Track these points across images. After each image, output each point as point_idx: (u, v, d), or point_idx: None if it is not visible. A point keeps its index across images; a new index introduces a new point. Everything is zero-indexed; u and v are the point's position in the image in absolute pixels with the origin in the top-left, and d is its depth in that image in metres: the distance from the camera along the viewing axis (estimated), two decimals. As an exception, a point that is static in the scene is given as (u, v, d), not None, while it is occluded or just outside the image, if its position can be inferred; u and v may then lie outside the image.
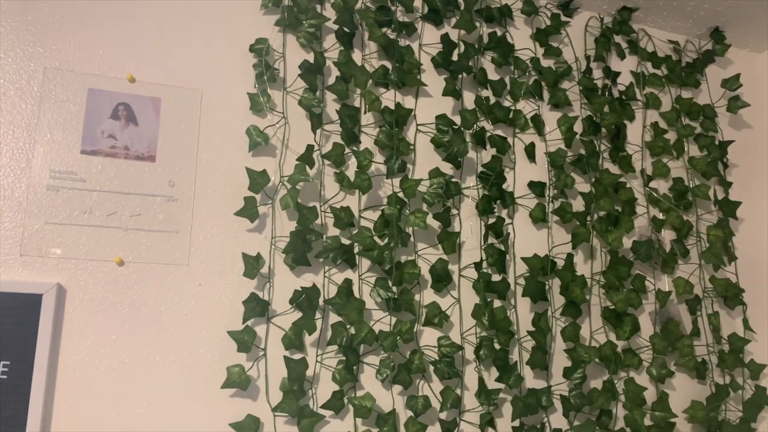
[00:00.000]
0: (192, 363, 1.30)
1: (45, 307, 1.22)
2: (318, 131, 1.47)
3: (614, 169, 1.73)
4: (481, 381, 1.47)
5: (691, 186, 1.79)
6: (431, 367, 1.45)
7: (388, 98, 1.55)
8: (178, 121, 1.40)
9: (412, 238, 1.50)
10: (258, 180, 1.39)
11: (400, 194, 1.48)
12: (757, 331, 1.79)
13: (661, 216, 1.74)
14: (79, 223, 1.30)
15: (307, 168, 1.42)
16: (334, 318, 1.40)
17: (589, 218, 1.63)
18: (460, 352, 1.48)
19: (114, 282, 1.29)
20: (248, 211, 1.37)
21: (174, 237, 1.36)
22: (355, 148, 1.48)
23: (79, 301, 1.26)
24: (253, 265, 1.35)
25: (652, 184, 1.76)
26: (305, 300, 1.38)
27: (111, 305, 1.28)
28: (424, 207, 1.52)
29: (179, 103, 1.41)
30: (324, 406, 1.35)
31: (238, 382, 1.29)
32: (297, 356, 1.36)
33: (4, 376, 1.18)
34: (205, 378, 1.30)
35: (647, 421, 1.59)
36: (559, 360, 1.57)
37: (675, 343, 1.65)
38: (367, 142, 1.50)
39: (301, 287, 1.38)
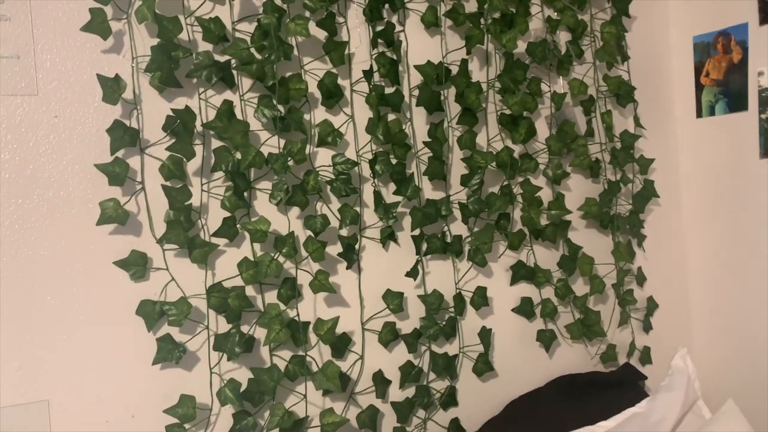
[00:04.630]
0: (61, 203, 1.18)
1: None
2: (171, -72, 1.26)
3: (508, -34, 1.61)
4: (378, 195, 1.43)
5: (586, -18, 1.71)
6: (328, 187, 1.40)
7: None
8: None
9: (296, 51, 1.37)
10: (105, -11, 1.19)
11: (278, 0, 1.33)
12: (646, 127, 1.84)
13: (555, 15, 1.67)
14: None
15: (164, -27, 1.23)
16: (216, 144, 1.29)
17: (482, 20, 1.54)
18: (357, 169, 1.42)
19: (-52, 119, 1.11)
20: (97, 25, 1.18)
21: (14, 63, 1.17)
22: (218, -52, 1.29)
23: None
24: (112, 87, 1.19)
25: (547, -19, 1.67)
26: (180, 125, 1.25)
27: (-51, 146, 1.11)
28: (306, 14, 1.37)
29: None
30: (216, 234, 1.28)
31: (114, 216, 1.19)
32: (179, 186, 1.26)
33: None
34: (79, 218, 1.19)
35: (544, 221, 1.63)
36: (457, 170, 1.55)
37: (570, 144, 1.67)
38: (231, -60, 1.31)
39: (174, 111, 1.24)
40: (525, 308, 1.61)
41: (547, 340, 1.62)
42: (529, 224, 1.60)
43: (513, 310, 1.61)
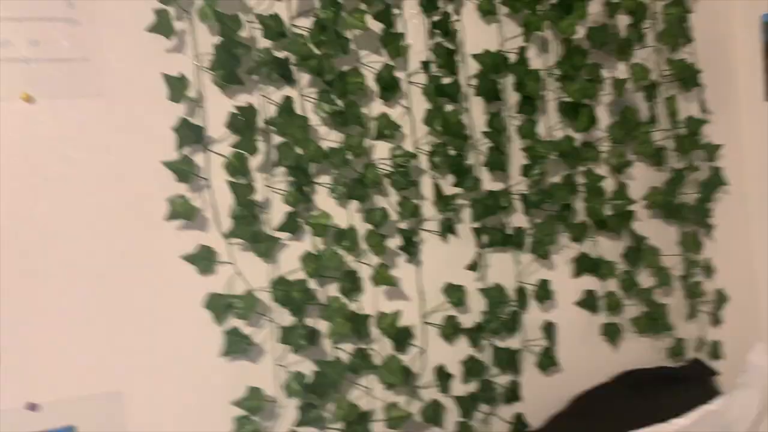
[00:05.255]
0: (131, 199, 1.21)
1: (-51, 155, 1.09)
2: (230, -73, 1.27)
3: (565, -49, 1.57)
4: (437, 188, 1.42)
5: (646, -37, 1.66)
6: (386, 180, 1.39)
7: None
8: (62, -72, 1.19)
9: (353, 45, 1.37)
10: (168, -11, 1.21)
11: (334, -6, 1.33)
12: (713, 111, 1.76)
13: (615, -1, 1.62)
14: (-32, 58, 1.14)
15: (224, -28, 1.25)
16: (277, 140, 1.31)
17: (540, 6, 1.51)
18: (415, 162, 1.42)
19: (24, 122, 1.15)
20: (162, 26, 1.21)
21: (84, 65, 1.20)
22: (275, -55, 1.30)
23: (-12, 146, 1.13)
24: (177, 86, 1.22)
25: (606, -36, 1.62)
26: (243, 122, 1.27)
27: (26, 147, 1.15)
28: (363, 6, 1.37)
29: None
30: (279, 229, 1.29)
31: (183, 212, 1.22)
32: (243, 182, 1.27)
33: None
34: (148, 214, 1.22)
35: (607, 212, 1.59)
36: (517, 159, 1.52)
37: (632, 132, 1.62)
38: (288, -64, 1.32)
39: (237, 107, 1.26)
40: (588, 301, 1.57)
41: (612, 333, 1.58)
42: (592, 215, 1.56)
43: (576, 303, 1.57)
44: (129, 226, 1.21)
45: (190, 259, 1.23)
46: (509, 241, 1.49)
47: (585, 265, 1.57)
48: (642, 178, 1.66)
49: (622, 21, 1.64)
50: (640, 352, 1.64)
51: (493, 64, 1.47)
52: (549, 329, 1.51)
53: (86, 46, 1.20)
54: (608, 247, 1.61)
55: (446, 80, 1.45)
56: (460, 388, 1.44)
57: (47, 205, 1.16)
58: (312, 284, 1.32)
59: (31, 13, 1.17)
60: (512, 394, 1.48)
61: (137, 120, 1.22)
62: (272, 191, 1.30)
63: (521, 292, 1.50)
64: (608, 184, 1.60)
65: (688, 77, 1.68)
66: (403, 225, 1.41)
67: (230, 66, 1.25)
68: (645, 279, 1.65)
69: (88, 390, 1.17)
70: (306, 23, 1.33)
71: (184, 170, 1.22)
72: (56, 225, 1.16)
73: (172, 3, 1.22)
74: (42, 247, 1.15)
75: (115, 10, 1.21)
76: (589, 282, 1.59)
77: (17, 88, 1.16)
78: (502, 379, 1.48)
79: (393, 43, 1.39)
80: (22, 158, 1.15)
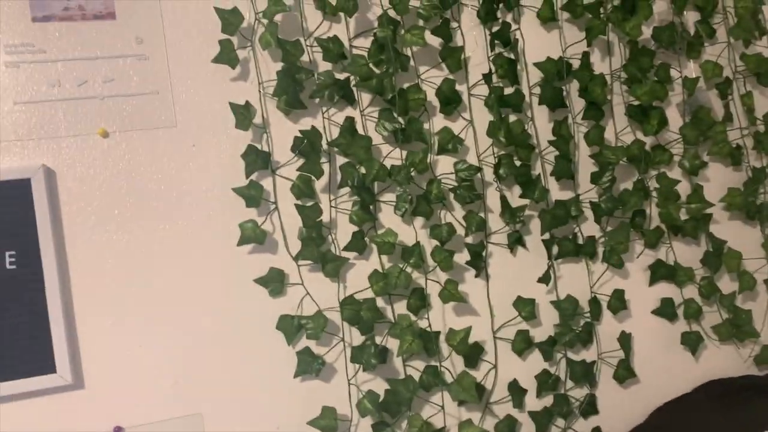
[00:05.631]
0: (203, 226, 1.25)
1: (36, 191, 1.16)
2: (287, -46, 1.30)
3: (627, -51, 1.52)
4: (503, 200, 1.40)
5: (715, -45, 1.59)
6: (451, 195, 1.38)
7: None
8: (129, -32, 1.24)
9: (411, 62, 1.37)
10: (230, 19, 1.25)
11: (392, 12, 1.33)
12: (794, 105, 1.67)
13: (683, -5, 1.56)
14: (49, 98, 1.20)
15: (283, -2, 1.27)
16: (341, 160, 1.32)
17: (602, 9, 1.46)
18: (479, 175, 1.40)
19: (102, 156, 1.21)
20: (226, 56, 1.24)
21: (155, 98, 1.25)
22: (332, -32, 1.31)
23: (71, 181, 1.19)
24: (243, 114, 1.25)
25: (671, -41, 1.56)
26: (307, 145, 1.29)
27: (105, 180, 1.21)
28: (420, 23, 1.37)
29: (125, -55, 1.24)
30: (346, 249, 1.30)
31: (254, 237, 1.24)
32: (310, 204, 1.29)
33: (13, 267, 1.14)
34: (220, 239, 1.26)
35: (683, 216, 1.53)
36: (586, 167, 1.48)
37: (707, 132, 1.55)
38: (344, -42, 1.33)
39: (301, 131, 1.28)
40: (666, 310, 1.51)
41: (692, 342, 1.52)
42: (667, 220, 1.50)
43: (653, 312, 1.51)
44: (203, 251, 1.24)
45: (262, 281, 1.26)
46: (581, 250, 1.45)
47: (661, 272, 1.51)
48: (719, 180, 1.59)
49: (691, 17, 1.58)
50: (724, 361, 1.57)
51: (555, 71, 1.44)
52: (626, 340, 1.46)
53: (156, 80, 1.25)
54: (685, 253, 1.55)
55: (508, 90, 1.43)
56: (534, 403, 1.42)
57: (124, 235, 1.21)
58: (380, 302, 1.32)
59: (104, 52, 1.22)
60: (589, 408, 1.44)
61: (207, 148, 1.26)
62: (338, 211, 1.32)
63: (595, 302, 1.46)
64: (683, 188, 1.54)
65: (764, 72, 1.60)
66: (470, 239, 1.39)
67: (293, 91, 1.28)
68: (726, 284, 1.58)
69: (170, 413, 1.21)
70: (365, 43, 1.34)
71: (252, 195, 1.25)
72: (132, 255, 1.21)
73: (235, 33, 1.25)
74: (121, 276, 1.20)
75: (182, 43, 1.25)
76: (666, 290, 1.53)
77: (95, 124, 1.21)
78: (577, 393, 1.44)
79: (452, 56, 1.38)
80: (99, 190, 1.20)
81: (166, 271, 1.22)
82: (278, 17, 1.29)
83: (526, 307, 1.40)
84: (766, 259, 1.61)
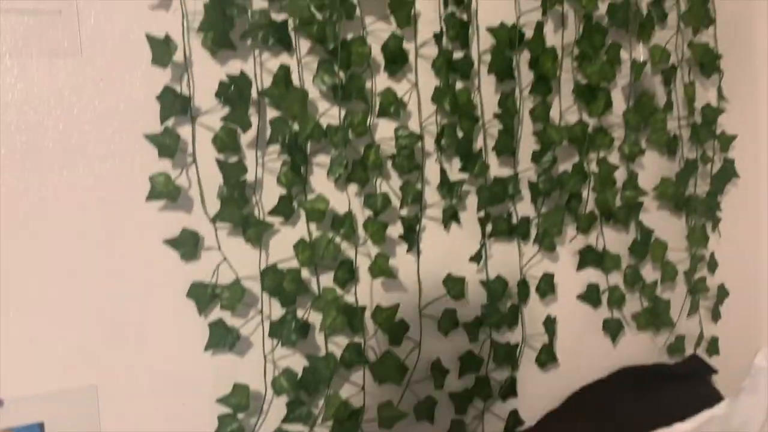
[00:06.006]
0: (107, 176, 1.09)
1: None
2: None
3: None
4: (443, 173, 1.32)
5: (674, -65, 1.54)
6: (389, 162, 1.28)
7: None
8: None
9: (358, 11, 1.24)
10: (155, -62, 1.07)
11: (340, -47, 1.19)
12: (729, 100, 1.68)
13: (640, -27, 1.50)
14: None
15: None
16: (272, 113, 1.18)
17: (562, -23, 1.39)
18: (420, 143, 1.31)
19: (-14, 82, 1.01)
20: (147, -21, 1.07)
21: (56, 20, 1.06)
22: None
23: (-56, 109, 0.99)
24: (162, 49, 1.08)
25: (632, -67, 1.50)
26: (234, 92, 1.14)
27: (-12, 111, 1.02)
28: (371, -31, 1.24)
29: None
30: (271, 213, 1.18)
31: (165, 192, 1.10)
32: (233, 160, 1.16)
33: None
34: (127, 192, 1.10)
35: (617, 202, 1.51)
36: (527, 144, 1.42)
37: (648, 119, 1.53)
38: None
39: (228, 76, 1.13)
40: (591, 295, 1.50)
41: (613, 329, 1.52)
42: (602, 206, 1.47)
43: (579, 297, 1.50)
44: (106, 205, 1.08)
45: (173, 243, 1.12)
46: (515, 230, 1.40)
47: (590, 257, 1.49)
48: (652, 168, 1.58)
49: (645, -2, 1.53)
50: (639, 349, 1.59)
51: (508, 39, 1.35)
52: (550, 325, 1.44)
53: (59, -3, 1.05)
54: (614, 240, 1.53)
55: (458, 54, 1.33)
56: (454, 383, 1.37)
57: (14, 180, 1.03)
58: (305, 273, 1.21)
59: (-5, -44, 1.01)
60: (509, 390, 1.41)
61: (116, 85, 1.09)
62: (265, 171, 1.19)
63: (524, 284, 1.42)
64: (618, 174, 1.51)
65: (707, 62, 1.59)
66: (405, 212, 1.31)
67: (222, 28, 1.12)
68: (649, 273, 1.58)
69: (60, 384, 1.06)
70: (308, -16, 1.19)
71: (167, 145, 1.10)
72: (25, 204, 1.03)
73: (158, -47, 1.07)
74: (9, 227, 1.03)
75: (93, -43, 1.06)
76: (592, 275, 1.52)
77: (-22, 44, 1.01)
78: (498, 375, 1.41)
79: (402, 9, 1.26)
80: (-17, 125, 1.02)
81: (61, 226, 1.06)
82: (211, -59, 1.12)
83: (456, 285, 1.34)
84: (688, 251, 1.63)
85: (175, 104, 1.10)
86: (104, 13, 1.07)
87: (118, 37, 1.09)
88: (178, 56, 1.11)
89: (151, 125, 1.11)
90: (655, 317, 1.56)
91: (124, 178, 1.10)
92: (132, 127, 1.10)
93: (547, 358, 1.44)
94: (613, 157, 1.52)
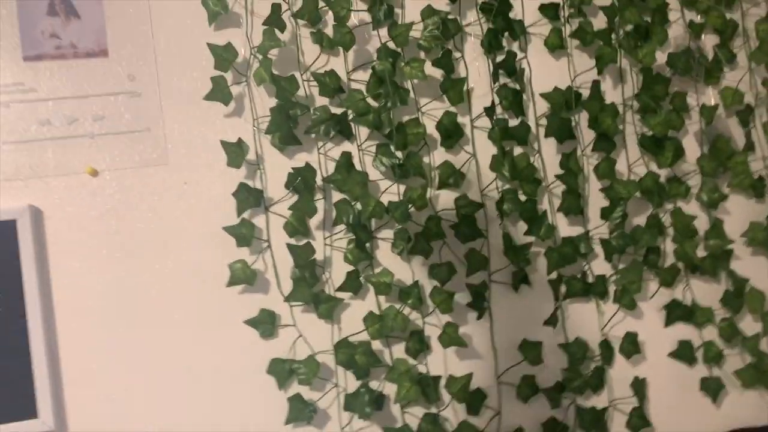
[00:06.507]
0: (193, 266, 1.22)
1: (22, 232, 1.13)
2: (282, -13, 1.27)
3: (639, -27, 1.46)
4: (507, 237, 1.34)
5: (734, -23, 1.51)
6: (452, 232, 1.33)
7: (358, -67, 1.31)
8: (124, 5, 1.22)
9: (411, 94, 1.32)
10: (224, 55, 1.22)
11: (391, 44, 1.29)
12: (821, 134, 1.58)
13: (699, 19, 1.48)
14: (39, 137, 1.18)
15: (278, 32, 1.24)
16: (337, 196, 1.28)
17: (613, 35, 1.40)
18: (482, 211, 1.34)
19: (91, 195, 1.19)
20: (219, 93, 1.22)
21: (146, 136, 1.23)
22: None
23: (58, 221, 1.17)
24: (235, 152, 1.22)
25: (687, -17, 1.49)
26: (301, 182, 1.25)
27: (93, 220, 1.18)
28: (421, 55, 1.32)
29: (117, -19, 1.22)
30: (340, 289, 1.26)
31: (243, 277, 1.21)
32: (303, 242, 1.25)
33: (-1, 309, 1.12)
34: (211, 279, 1.22)
35: (701, 252, 1.44)
36: (596, 201, 1.41)
37: (726, 162, 1.47)
38: (341, -10, 1.29)
39: (294, 168, 1.24)
40: (684, 353, 1.42)
41: (713, 388, 1.43)
42: (683, 258, 1.42)
43: (670, 355, 1.43)
44: (191, 292, 1.21)
45: (252, 323, 1.22)
46: (590, 290, 1.38)
47: (678, 312, 1.42)
48: (740, 213, 1.50)
49: (709, 42, 1.50)
50: (747, 408, 1.47)
51: (563, 101, 1.38)
52: (639, 386, 1.38)
53: (148, 117, 1.22)
54: (704, 292, 1.46)
55: (513, 122, 1.37)
56: (541, 451, 1.34)
57: (112, 276, 1.18)
58: (377, 345, 1.27)
59: (95, 89, 1.21)
60: (600, 458, 1.36)
61: (199, 186, 1.23)
62: (333, 249, 1.27)
63: (606, 345, 1.38)
64: (701, 222, 1.45)
65: (789, 98, 1.51)
66: (472, 279, 1.33)
67: (287, 127, 1.24)
68: (749, 325, 1.48)
69: (156, 461, 1.17)
70: (364, 76, 1.30)
71: (243, 234, 1.21)
72: (120, 296, 1.18)
73: (228, 69, 1.22)
74: (108, 318, 1.17)
75: (174, 80, 1.23)
76: (683, 331, 1.44)
77: (84, 163, 1.19)
78: (587, 441, 1.36)
79: (454, 88, 1.33)
80: (87, 230, 1.18)
81: (154, 313, 1.19)
82: (275, 52, 1.26)
83: (532, 350, 1.33)
84: (793, 298, 1.51)
85: (249, 198, 1.23)
86: (186, 126, 1.23)
87: (199, 145, 1.24)
88: (250, 156, 1.24)
89: (230, 219, 1.23)
90: (762, 373, 1.44)
91: (209, 267, 1.22)
92: (213, 222, 1.23)
93: (639, 422, 1.37)
94: (693, 207, 1.46)
